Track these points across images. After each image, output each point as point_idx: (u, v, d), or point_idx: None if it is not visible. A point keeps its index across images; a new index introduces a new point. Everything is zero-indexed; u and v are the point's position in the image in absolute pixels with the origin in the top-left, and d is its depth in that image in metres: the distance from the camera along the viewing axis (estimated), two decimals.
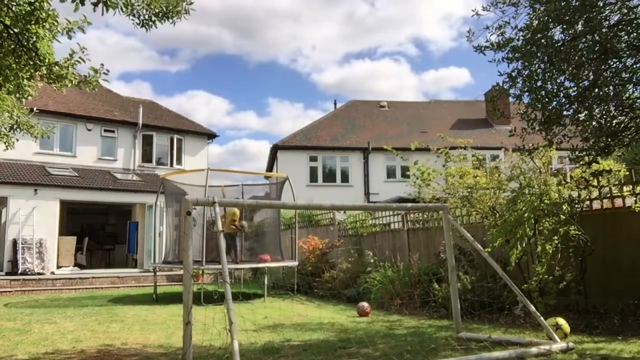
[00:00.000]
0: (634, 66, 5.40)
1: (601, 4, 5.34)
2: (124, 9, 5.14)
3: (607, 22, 5.40)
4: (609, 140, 5.71)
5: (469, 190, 8.76)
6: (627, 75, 5.41)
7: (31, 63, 5.22)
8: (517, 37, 5.71)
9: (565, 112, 5.88)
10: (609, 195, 7.41)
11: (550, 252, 7.10)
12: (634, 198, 7.04)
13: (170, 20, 5.61)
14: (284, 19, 76.06)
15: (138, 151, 20.31)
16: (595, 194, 7.53)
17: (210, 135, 22.51)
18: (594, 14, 5.23)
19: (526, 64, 5.66)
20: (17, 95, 6.06)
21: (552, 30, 5.58)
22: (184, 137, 21.48)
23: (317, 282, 12.15)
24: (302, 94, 79.97)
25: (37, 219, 15.88)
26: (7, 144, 8.53)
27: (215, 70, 76.64)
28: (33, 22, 4.90)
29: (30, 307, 10.54)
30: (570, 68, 5.52)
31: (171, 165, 20.79)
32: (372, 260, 11.15)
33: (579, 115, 5.90)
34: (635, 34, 5.28)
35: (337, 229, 14.10)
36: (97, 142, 19.51)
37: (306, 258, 13.29)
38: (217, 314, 4.81)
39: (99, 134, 19.54)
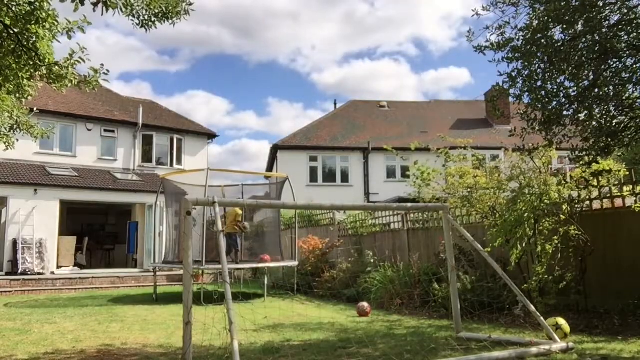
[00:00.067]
0: (634, 66, 5.40)
1: (601, 4, 5.34)
2: (124, 10, 5.14)
3: (607, 22, 5.40)
4: (609, 140, 5.71)
5: (469, 190, 8.76)
6: (627, 75, 5.41)
7: (31, 63, 5.23)
8: (517, 37, 5.71)
9: (565, 112, 5.89)
10: (609, 195, 7.41)
11: (550, 252, 7.10)
12: (634, 198, 7.04)
13: (170, 21, 5.61)
14: (284, 19, 76.11)
15: (138, 151, 20.31)
16: (595, 194, 7.53)
17: (210, 135, 22.51)
18: (594, 14, 5.23)
19: (526, 64, 5.66)
20: (17, 95, 6.06)
21: (552, 30, 5.59)
22: (184, 137, 21.48)
23: (317, 282, 12.15)
24: (302, 94, 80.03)
25: (37, 219, 15.88)
26: (7, 144, 8.53)
27: (215, 70, 76.70)
28: (33, 22, 4.90)
29: (30, 307, 10.54)
30: (570, 68, 5.52)
31: (171, 165, 20.79)
32: (372, 260, 11.15)
33: (579, 115, 5.91)
34: (635, 34, 5.28)
35: (337, 229, 14.10)
36: (97, 142, 19.51)
37: (306, 258, 13.29)
38: (217, 314, 4.81)
39: (99, 134, 19.54)
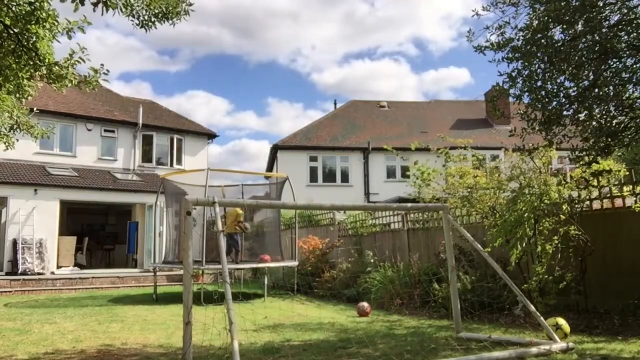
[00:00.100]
0: (634, 66, 5.40)
1: (601, 4, 5.34)
2: (124, 10, 5.14)
3: (607, 22, 5.40)
4: (609, 140, 5.71)
5: (469, 190, 8.76)
6: (627, 75, 5.41)
7: (31, 63, 5.22)
8: (517, 37, 5.71)
9: (565, 112, 5.88)
10: (609, 195, 7.41)
11: (550, 252, 7.10)
12: (634, 198, 7.04)
13: (170, 21, 5.61)
14: (283, 19, 76.12)
15: (138, 151, 20.31)
16: (595, 194, 7.53)
17: (210, 135, 22.51)
18: (594, 14, 5.23)
19: (526, 64, 5.66)
20: (17, 95, 6.06)
21: (552, 30, 5.59)
22: (184, 137, 21.48)
23: (317, 282, 12.15)
24: (302, 94, 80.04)
25: (37, 219, 15.88)
26: (7, 144, 8.53)
27: (215, 70, 76.71)
28: (33, 22, 4.90)
29: (30, 307, 10.54)
30: (570, 68, 5.52)
31: (171, 165, 20.79)
32: (372, 260, 11.15)
33: (579, 115, 5.91)
34: (635, 34, 5.28)
35: (337, 229, 14.10)
36: (97, 142, 19.51)
37: (306, 258, 13.29)
38: (217, 314, 4.81)
39: (99, 134, 19.54)
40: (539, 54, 5.58)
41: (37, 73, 5.46)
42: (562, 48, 5.47)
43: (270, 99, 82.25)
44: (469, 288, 8.08)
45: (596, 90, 5.52)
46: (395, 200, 20.51)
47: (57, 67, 5.35)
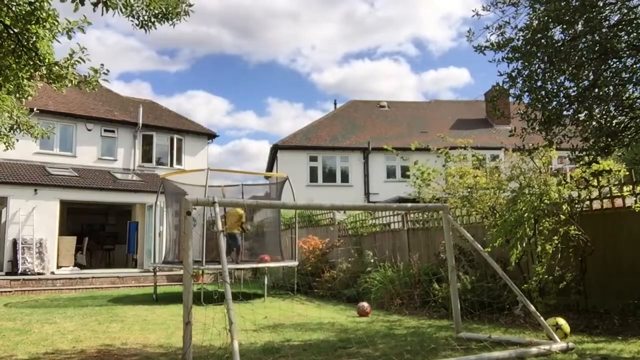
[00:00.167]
0: (634, 66, 5.40)
1: (601, 4, 5.34)
2: (124, 10, 5.14)
3: (607, 22, 5.40)
4: (609, 140, 5.71)
5: (469, 190, 8.76)
6: (627, 75, 5.41)
7: (31, 63, 5.22)
8: (517, 37, 5.71)
9: (565, 112, 5.88)
10: (609, 195, 7.41)
11: (550, 252, 7.10)
12: (634, 198, 7.04)
13: (170, 22, 5.60)
14: (283, 19, 76.13)
15: (138, 151, 20.31)
16: (595, 194, 7.53)
17: (210, 135, 22.51)
18: (594, 14, 5.23)
19: (526, 64, 5.66)
20: (17, 95, 6.06)
21: (552, 30, 5.58)
22: (184, 137, 21.48)
23: (317, 282, 12.15)
24: (302, 94, 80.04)
25: (37, 219, 15.88)
26: (7, 144, 8.53)
27: (214, 70, 76.72)
28: (33, 22, 4.90)
29: (30, 307, 10.54)
30: (570, 68, 5.52)
31: (171, 165, 20.79)
32: (372, 260, 11.15)
33: (579, 115, 5.91)
34: (635, 34, 5.28)
35: (337, 229, 14.10)
36: (97, 142, 19.51)
37: (306, 258, 13.29)
38: (217, 314, 4.81)
39: (99, 134, 19.54)
40: (539, 54, 5.57)
41: (37, 73, 5.46)
42: (562, 48, 5.47)
43: (270, 99, 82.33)
44: (469, 288, 8.08)
45: (596, 90, 5.52)
46: (395, 200, 20.51)
47: (57, 67, 5.35)
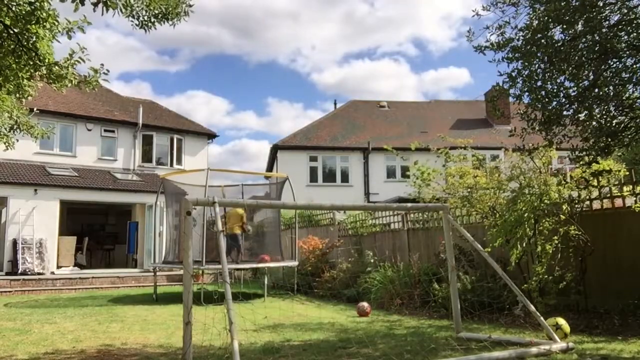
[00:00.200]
0: (634, 66, 5.40)
1: (601, 4, 5.34)
2: (124, 10, 5.14)
3: (607, 22, 5.40)
4: (609, 140, 5.70)
5: (469, 190, 8.76)
6: (627, 75, 5.41)
7: (31, 63, 5.22)
8: (517, 37, 5.71)
9: (565, 112, 5.88)
10: (609, 195, 7.41)
11: (550, 252, 7.10)
12: (634, 198, 7.04)
13: (170, 22, 5.60)
14: (283, 19, 76.13)
15: (138, 151, 20.31)
16: (595, 194, 7.53)
17: (210, 135, 22.51)
18: (594, 14, 5.23)
19: (526, 64, 5.66)
20: (17, 95, 6.06)
21: (552, 30, 5.58)
22: (184, 137, 21.48)
23: (317, 282, 12.15)
24: (302, 94, 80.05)
25: (37, 219, 15.88)
26: (7, 144, 8.53)
27: (214, 70, 76.73)
28: (33, 22, 4.89)
29: (30, 307, 10.54)
30: (570, 68, 5.52)
31: (171, 165, 20.79)
32: (372, 260, 11.15)
33: (579, 115, 5.91)
34: (635, 34, 5.28)
35: (337, 229, 14.10)
36: (97, 142, 19.51)
37: (306, 258, 13.29)
38: (217, 314, 4.81)
39: (99, 134, 19.54)
40: (539, 54, 5.57)
41: (37, 73, 5.46)
42: (562, 48, 5.47)
43: (270, 99, 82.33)
44: (469, 288, 8.08)
45: (596, 90, 5.52)
46: (395, 200, 20.51)
47: (57, 67, 5.34)
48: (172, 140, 21.04)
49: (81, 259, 18.04)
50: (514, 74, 5.72)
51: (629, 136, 5.71)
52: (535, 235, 7.40)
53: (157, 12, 5.45)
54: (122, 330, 7.54)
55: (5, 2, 4.82)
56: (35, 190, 16.06)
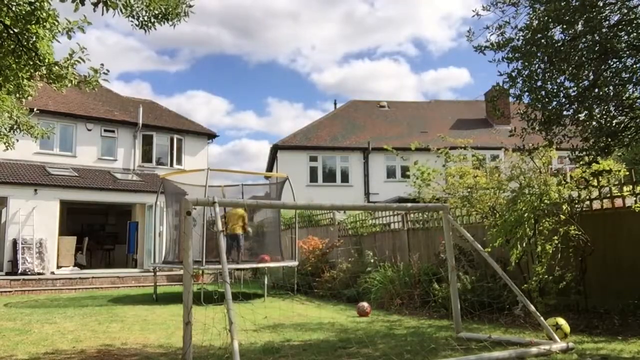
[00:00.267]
0: (634, 66, 5.40)
1: (601, 4, 5.34)
2: (124, 10, 5.13)
3: (607, 22, 5.40)
4: (609, 140, 5.70)
5: (469, 190, 8.76)
6: (627, 75, 5.41)
7: (31, 63, 5.22)
8: (517, 37, 5.71)
9: (565, 112, 5.88)
10: (609, 195, 7.41)
11: (550, 252, 7.10)
12: (634, 198, 7.04)
13: (170, 22, 5.60)
14: (283, 19, 76.12)
15: (138, 151, 20.31)
16: (595, 194, 7.53)
17: (210, 135, 22.51)
18: (594, 14, 5.23)
19: (526, 64, 5.66)
20: (17, 95, 6.06)
21: (552, 30, 5.58)
22: (184, 137, 21.48)
23: (317, 282, 12.15)
24: (302, 94, 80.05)
25: (37, 219, 15.88)
26: (7, 144, 8.53)
27: (214, 70, 76.73)
28: (33, 22, 4.89)
29: (30, 307, 10.54)
30: (570, 68, 5.52)
31: (171, 165, 20.79)
32: (372, 260, 11.15)
33: (579, 115, 5.91)
34: (635, 34, 5.28)
35: (337, 229, 14.10)
36: (97, 142, 19.51)
37: (306, 258, 13.29)
38: (217, 314, 4.81)
39: (99, 134, 19.54)
40: (539, 54, 5.57)
41: (37, 73, 5.46)
42: (562, 48, 5.47)
43: (270, 99, 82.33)
44: (469, 288, 8.08)
45: (596, 90, 5.52)
46: (395, 200, 20.51)
47: (57, 67, 5.34)
48: (172, 140, 21.04)
49: (81, 259, 18.04)
50: (514, 74, 5.72)
51: (629, 136, 5.71)
52: (535, 235, 7.40)
53: (157, 12, 5.45)
54: (122, 330, 7.54)
55: (5, 2, 4.82)
56: (35, 190, 16.06)
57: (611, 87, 5.53)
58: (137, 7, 5.32)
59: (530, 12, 5.70)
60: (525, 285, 7.15)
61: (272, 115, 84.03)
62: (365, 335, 6.72)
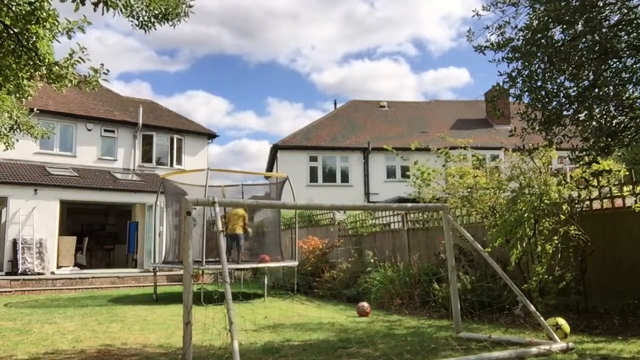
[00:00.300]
0: (634, 66, 5.40)
1: (601, 4, 5.34)
2: (124, 10, 5.13)
3: (607, 22, 5.40)
4: (609, 140, 5.70)
5: (469, 190, 8.76)
6: (627, 75, 5.41)
7: (31, 63, 5.22)
8: (517, 37, 5.70)
9: (565, 112, 5.88)
10: (609, 195, 7.41)
11: (550, 252, 7.10)
12: (634, 198, 7.04)
13: (170, 23, 5.60)
14: (283, 19, 76.12)
15: (138, 151, 20.31)
16: (595, 194, 7.53)
17: (210, 135, 22.51)
18: (594, 14, 5.23)
19: (526, 64, 5.66)
20: (17, 95, 6.06)
21: (552, 30, 5.58)
22: (184, 137, 21.48)
23: (317, 282, 12.15)
24: (302, 94, 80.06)
25: (37, 219, 15.88)
26: (7, 144, 8.53)
27: (214, 70, 76.73)
28: (33, 22, 4.89)
29: (30, 307, 10.54)
30: (570, 68, 5.52)
31: (171, 165, 20.79)
32: (372, 260, 11.15)
33: (579, 115, 5.90)
34: (635, 34, 5.28)
35: (337, 229, 14.10)
36: (97, 142, 19.51)
37: (306, 258, 13.29)
38: (217, 314, 4.81)
39: (99, 134, 19.54)
40: (539, 54, 5.57)
41: (37, 73, 5.46)
42: (562, 48, 5.47)
43: (270, 99, 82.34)
44: (469, 288, 8.08)
45: (596, 90, 5.52)
46: (395, 200, 20.50)
47: (57, 67, 5.34)
48: (172, 140, 21.04)
49: (81, 259, 18.03)
50: (514, 74, 5.72)
51: (629, 136, 5.71)
52: (535, 235, 7.40)
53: (157, 12, 5.45)
54: (122, 330, 7.54)
55: (5, 2, 4.82)
56: (35, 190, 16.06)
57: (611, 87, 5.53)
58: (137, 7, 5.32)
59: (530, 12, 5.70)
60: (525, 285, 7.15)
61: (272, 115, 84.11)
62: (365, 335, 6.72)
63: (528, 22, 5.66)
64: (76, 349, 6.18)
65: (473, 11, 5.91)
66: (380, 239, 12.10)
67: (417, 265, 9.70)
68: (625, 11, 5.39)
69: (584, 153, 6.08)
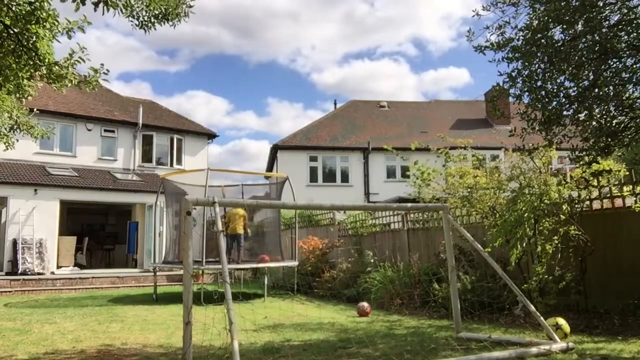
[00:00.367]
0: (634, 66, 5.40)
1: (601, 4, 5.34)
2: (124, 10, 5.14)
3: (607, 22, 5.40)
4: (609, 140, 5.70)
5: (469, 190, 8.76)
6: (627, 75, 5.41)
7: (31, 63, 5.22)
8: (517, 37, 5.71)
9: (565, 112, 5.88)
10: (609, 195, 7.41)
11: (550, 252, 7.10)
12: (634, 198, 7.04)
13: (170, 23, 5.60)
14: (283, 19, 76.12)
15: (138, 151, 20.31)
16: (595, 194, 7.53)
17: (210, 135, 22.51)
18: (594, 14, 5.23)
19: (526, 64, 5.66)
20: (17, 95, 6.06)
21: (552, 30, 5.58)
22: (184, 137, 21.48)
23: (317, 282, 12.15)
24: (302, 94, 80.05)
25: (37, 219, 15.88)
26: (7, 144, 8.53)
27: (214, 70, 76.74)
28: (33, 22, 4.89)
29: (30, 307, 10.54)
30: (570, 68, 5.52)
31: (171, 165, 20.79)
32: (372, 260, 11.15)
33: (579, 115, 5.91)
34: (635, 34, 5.28)
35: (337, 229, 14.10)
36: (97, 142, 19.51)
37: (306, 258, 13.30)
38: (217, 314, 4.81)
39: (99, 134, 19.54)
40: (539, 54, 5.57)
41: (37, 73, 5.46)
42: (562, 48, 5.47)
43: (270, 99, 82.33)
44: (469, 288, 8.08)
45: (596, 90, 5.52)
46: (395, 200, 20.51)
47: (57, 67, 5.34)
48: (172, 140, 21.04)
49: (81, 259, 18.03)
50: (514, 74, 5.72)
51: (629, 136, 5.71)
52: (535, 235, 7.40)
53: (157, 12, 5.45)
54: (122, 330, 7.54)
55: (5, 2, 4.82)
56: (35, 190, 16.06)
57: (611, 87, 5.53)
58: (137, 7, 5.32)
59: (530, 12, 5.71)
60: (525, 285, 7.15)
61: (272, 115, 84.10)
62: (365, 335, 6.72)
63: (528, 22, 5.66)
64: (76, 349, 6.18)
65: (473, 11, 5.92)
66: (380, 239, 12.10)
67: (417, 265, 9.70)
68: (625, 11, 5.39)
69: (584, 153, 6.08)
